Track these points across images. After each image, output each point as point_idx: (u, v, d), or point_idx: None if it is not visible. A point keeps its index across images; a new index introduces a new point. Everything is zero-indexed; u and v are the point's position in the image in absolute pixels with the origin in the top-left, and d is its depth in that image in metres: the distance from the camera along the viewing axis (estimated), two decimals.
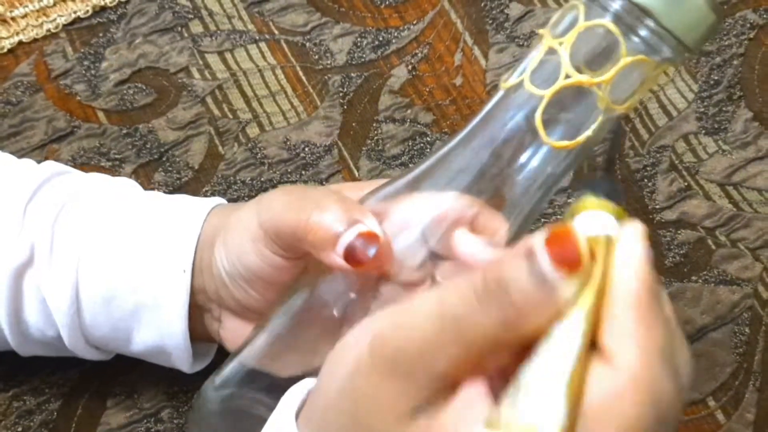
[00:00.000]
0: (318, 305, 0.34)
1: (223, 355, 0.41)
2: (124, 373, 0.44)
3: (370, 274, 0.33)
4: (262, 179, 0.49)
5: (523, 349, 0.25)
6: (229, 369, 0.35)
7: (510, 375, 0.25)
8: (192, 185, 0.48)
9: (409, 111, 0.51)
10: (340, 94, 0.51)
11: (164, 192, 0.47)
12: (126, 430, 0.43)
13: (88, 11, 0.52)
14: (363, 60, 0.52)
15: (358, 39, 0.53)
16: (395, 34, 0.53)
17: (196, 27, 0.53)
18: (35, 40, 0.52)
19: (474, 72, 0.52)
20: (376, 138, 0.50)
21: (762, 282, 0.48)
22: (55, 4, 0.52)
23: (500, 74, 0.52)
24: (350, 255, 0.33)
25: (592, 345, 0.25)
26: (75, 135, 0.49)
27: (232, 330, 0.39)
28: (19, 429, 0.42)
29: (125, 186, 0.41)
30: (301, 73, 0.52)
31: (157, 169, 0.49)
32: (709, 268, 0.48)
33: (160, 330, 0.39)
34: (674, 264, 0.48)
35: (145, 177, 0.48)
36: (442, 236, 0.33)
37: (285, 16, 0.53)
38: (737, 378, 0.46)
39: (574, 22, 0.31)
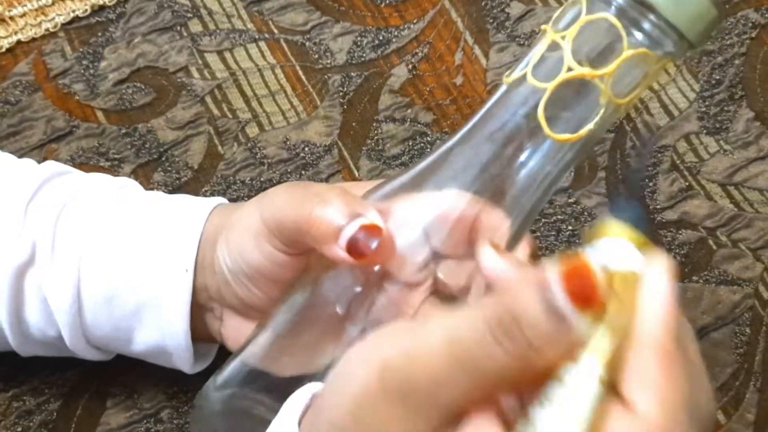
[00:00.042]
0: (320, 303, 0.34)
1: (223, 356, 0.41)
2: (124, 374, 0.44)
3: (373, 268, 0.33)
4: (262, 179, 0.49)
5: (535, 377, 0.25)
6: (231, 368, 0.35)
7: (520, 401, 0.25)
8: (191, 185, 0.48)
9: (409, 110, 0.51)
10: (340, 94, 0.51)
11: (164, 192, 0.47)
12: (126, 430, 0.43)
13: (86, 10, 0.52)
14: (363, 59, 0.52)
15: (358, 38, 0.53)
16: (395, 34, 0.53)
17: (195, 26, 0.52)
18: (34, 39, 0.52)
19: (475, 71, 0.52)
20: (376, 138, 0.50)
21: (763, 282, 0.48)
22: (53, 4, 0.52)
23: (501, 73, 0.52)
24: (353, 247, 0.32)
25: (611, 386, 0.24)
26: (74, 135, 0.49)
27: (233, 328, 0.39)
28: (19, 429, 0.42)
29: (126, 186, 0.41)
30: (300, 73, 0.52)
31: (157, 169, 0.49)
32: (710, 268, 0.48)
33: (161, 329, 0.39)
34: (675, 264, 0.48)
35: (144, 177, 0.48)
36: (443, 234, 0.33)
37: (284, 15, 0.53)
38: (738, 378, 0.46)
39: (577, 16, 0.31)
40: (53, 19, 0.52)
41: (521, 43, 0.53)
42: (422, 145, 0.50)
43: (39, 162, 0.42)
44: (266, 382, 0.34)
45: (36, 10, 0.52)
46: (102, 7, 0.53)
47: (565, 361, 0.24)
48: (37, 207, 0.39)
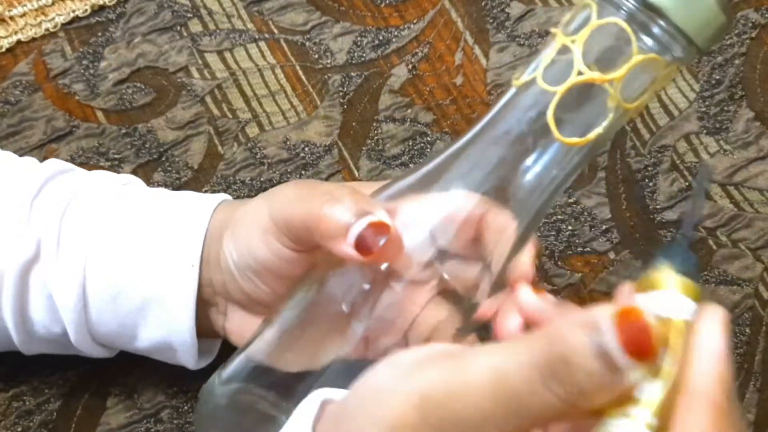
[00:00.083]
0: (326, 301, 0.34)
1: (225, 352, 0.41)
2: (124, 374, 0.44)
3: (379, 266, 0.33)
4: (262, 179, 0.49)
5: (580, 416, 0.25)
6: (236, 363, 0.35)
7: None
8: (191, 185, 0.48)
9: (409, 110, 0.51)
10: (340, 94, 0.51)
11: None
12: (126, 430, 0.43)
13: (86, 10, 0.52)
14: (363, 59, 0.52)
15: (358, 38, 0.53)
16: (395, 33, 0.53)
17: (195, 26, 0.52)
18: (34, 39, 0.52)
19: (475, 71, 0.52)
20: (376, 138, 0.50)
21: (763, 282, 0.48)
22: (53, 3, 0.52)
23: (501, 73, 0.52)
24: (361, 244, 0.33)
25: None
26: (74, 135, 0.49)
27: (237, 323, 0.39)
28: (19, 429, 0.42)
29: (130, 182, 0.41)
30: (300, 73, 0.52)
31: (157, 169, 0.49)
32: (710, 268, 0.48)
33: (166, 326, 0.39)
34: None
35: (144, 177, 0.48)
36: (450, 234, 0.33)
37: (284, 15, 0.53)
38: (737, 378, 0.46)
39: (587, 21, 0.32)
40: (53, 19, 0.52)
41: (521, 43, 0.53)
42: (422, 145, 0.50)
43: (40, 162, 0.42)
44: (271, 378, 0.34)
45: (36, 10, 0.52)
46: (102, 7, 0.53)
47: (614, 406, 0.24)
48: (41, 204, 0.39)
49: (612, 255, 0.48)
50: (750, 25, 0.54)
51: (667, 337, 0.25)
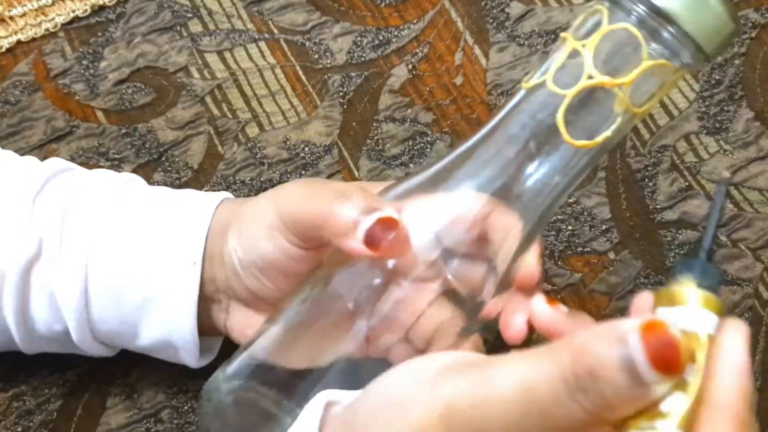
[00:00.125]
0: (331, 298, 0.35)
1: (227, 351, 0.41)
2: (124, 374, 0.44)
3: (386, 264, 0.34)
4: (262, 179, 0.49)
5: (604, 426, 0.25)
6: (240, 361, 0.35)
7: None
8: (191, 185, 0.48)
9: (409, 110, 0.51)
10: (340, 94, 0.51)
11: None
12: (126, 430, 0.43)
13: (86, 10, 0.52)
14: (363, 59, 0.52)
15: (358, 38, 0.53)
16: (395, 34, 0.53)
17: (195, 26, 0.52)
18: (34, 39, 0.52)
19: (475, 71, 0.52)
20: (376, 138, 0.50)
21: (763, 282, 0.48)
22: (53, 4, 0.52)
23: (501, 73, 0.52)
24: (370, 240, 0.33)
25: None
26: (74, 135, 0.49)
27: (239, 320, 0.39)
28: (19, 429, 0.42)
29: (131, 181, 0.41)
30: (300, 73, 0.52)
31: (157, 169, 0.49)
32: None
33: (168, 324, 0.39)
34: (675, 264, 0.48)
35: (144, 177, 0.48)
36: (456, 234, 0.34)
37: (284, 15, 0.53)
38: None
39: (598, 25, 0.32)
40: (53, 19, 0.52)
41: (521, 43, 0.53)
42: (422, 145, 0.50)
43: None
44: (273, 376, 0.34)
45: (36, 10, 0.52)
46: (102, 7, 0.53)
47: (638, 418, 0.25)
48: (42, 203, 0.39)
49: (612, 255, 0.48)
50: (750, 25, 0.54)
51: (692, 351, 0.25)
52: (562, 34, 0.33)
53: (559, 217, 0.49)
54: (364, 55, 0.52)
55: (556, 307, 0.31)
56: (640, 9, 0.31)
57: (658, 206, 0.49)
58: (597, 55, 0.32)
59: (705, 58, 0.32)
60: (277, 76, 0.52)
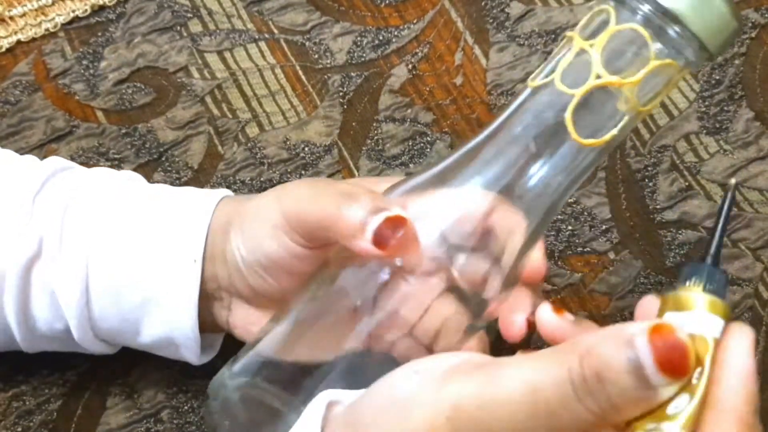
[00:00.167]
0: (338, 295, 0.35)
1: (228, 347, 0.41)
2: (123, 374, 0.44)
3: (394, 262, 0.34)
4: (262, 179, 0.49)
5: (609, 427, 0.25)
6: (246, 358, 0.35)
7: None
8: (191, 185, 0.48)
9: (409, 110, 0.51)
10: (340, 94, 0.51)
11: None
12: (126, 430, 0.43)
13: (86, 10, 0.52)
14: (363, 59, 0.52)
15: (358, 38, 0.53)
16: (395, 33, 0.53)
17: (195, 26, 0.52)
18: (34, 39, 0.52)
19: (474, 71, 0.52)
20: (376, 138, 0.50)
21: (762, 282, 0.48)
22: (53, 4, 0.52)
23: (501, 73, 0.52)
24: (378, 239, 0.33)
25: None
26: (74, 135, 0.49)
27: (241, 317, 0.39)
28: (19, 429, 0.42)
29: (131, 178, 0.41)
30: (300, 73, 0.52)
31: (157, 169, 0.49)
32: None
33: (169, 321, 0.39)
34: (675, 264, 0.48)
35: (144, 177, 0.48)
36: (461, 231, 0.34)
37: (284, 15, 0.53)
38: None
39: (605, 25, 0.32)
40: (53, 19, 0.52)
41: (521, 43, 0.53)
42: (422, 145, 0.50)
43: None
44: (280, 373, 0.34)
45: (36, 10, 0.52)
46: (102, 7, 0.53)
47: (644, 420, 0.25)
48: (42, 202, 0.39)
49: (612, 255, 0.48)
50: (750, 25, 0.54)
51: (699, 354, 0.26)
52: (568, 33, 0.33)
53: (559, 217, 0.49)
54: (364, 55, 0.52)
55: (562, 316, 0.31)
56: (647, 9, 0.32)
57: (658, 206, 0.49)
58: (604, 54, 0.32)
59: (708, 57, 0.33)
60: (277, 76, 0.52)
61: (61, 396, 0.43)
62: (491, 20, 0.54)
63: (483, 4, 0.54)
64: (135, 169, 0.48)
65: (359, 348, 0.34)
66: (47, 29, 0.52)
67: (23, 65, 0.51)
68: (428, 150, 0.50)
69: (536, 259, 0.36)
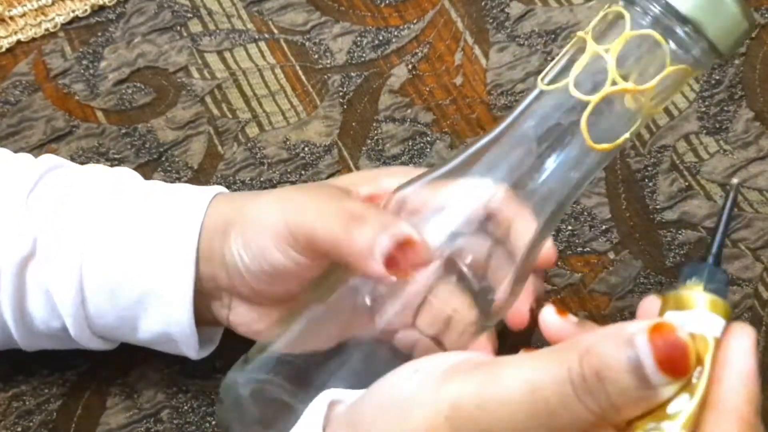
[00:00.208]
0: (352, 294, 0.35)
1: (228, 342, 0.41)
2: (123, 374, 0.44)
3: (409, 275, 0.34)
4: (262, 179, 0.49)
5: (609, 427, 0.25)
6: (257, 354, 0.36)
7: None
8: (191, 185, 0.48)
9: (409, 110, 0.51)
10: (340, 94, 0.51)
11: None
12: (126, 430, 0.43)
13: (86, 10, 0.52)
14: (363, 59, 0.52)
15: (358, 38, 0.53)
16: (395, 34, 0.53)
17: (195, 26, 0.52)
18: (34, 39, 0.52)
19: (474, 71, 0.52)
20: (376, 138, 0.50)
21: (762, 282, 0.48)
22: (53, 4, 0.52)
23: (501, 73, 0.52)
24: (390, 263, 0.33)
25: None
26: (74, 135, 0.49)
27: (242, 315, 0.39)
28: (19, 429, 0.42)
29: (125, 175, 0.41)
30: (300, 73, 0.52)
31: (157, 169, 0.49)
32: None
33: (165, 318, 0.39)
34: (675, 264, 0.48)
35: (144, 177, 0.48)
36: (471, 229, 0.34)
37: (284, 15, 0.53)
38: None
39: (619, 29, 0.32)
40: (53, 19, 0.52)
41: (521, 43, 0.53)
42: (422, 145, 0.50)
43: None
44: (292, 368, 0.34)
45: (36, 10, 0.52)
46: (102, 7, 0.53)
47: (644, 419, 0.25)
48: (36, 201, 0.39)
49: (612, 255, 0.48)
50: None
51: (699, 354, 0.26)
52: (579, 34, 0.33)
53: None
54: (364, 55, 0.52)
55: (565, 318, 0.31)
56: (659, 11, 0.32)
57: (658, 206, 0.49)
58: (618, 59, 0.32)
59: (719, 58, 0.33)
60: (277, 76, 0.52)
61: (60, 396, 0.43)
62: (491, 20, 0.54)
63: (483, 4, 0.54)
64: (135, 169, 0.48)
65: (371, 343, 0.34)
66: (47, 29, 0.52)
67: (23, 65, 0.51)
68: (428, 150, 0.50)
69: (547, 246, 0.36)
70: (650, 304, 0.29)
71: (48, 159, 0.41)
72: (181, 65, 0.51)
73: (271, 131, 0.50)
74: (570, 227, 0.48)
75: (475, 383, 0.26)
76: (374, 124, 0.51)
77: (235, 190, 0.48)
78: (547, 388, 0.25)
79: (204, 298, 0.39)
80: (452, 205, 0.34)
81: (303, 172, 0.49)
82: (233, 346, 0.40)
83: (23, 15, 0.52)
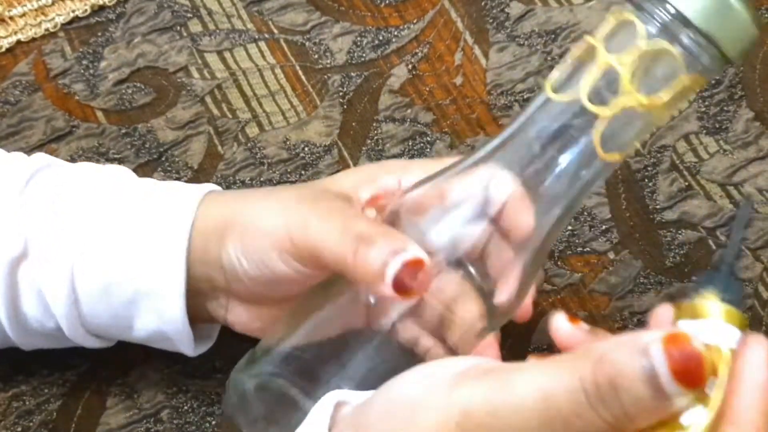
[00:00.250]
0: (358, 294, 0.35)
1: (226, 340, 0.41)
2: (123, 374, 0.44)
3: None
4: (262, 179, 0.49)
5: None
6: (264, 350, 0.36)
7: None
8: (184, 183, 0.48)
9: (409, 111, 0.51)
10: (340, 94, 0.51)
11: None
12: (126, 430, 0.43)
13: (86, 10, 0.52)
14: (363, 59, 0.52)
15: (358, 38, 0.53)
16: (395, 34, 0.53)
17: (195, 26, 0.53)
18: (34, 39, 0.52)
19: (474, 71, 0.52)
20: (376, 138, 0.50)
21: (762, 282, 0.48)
22: (53, 3, 0.52)
23: (501, 73, 0.52)
24: (399, 285, 0.33)
25: None
26: (74, 135, 0.49)
27: (240, 314, 0.39)
28: (19, 429, 0.42)
29: (117, 173, 0.41)
30: (300, 73, 0.52)
31: (156, 169, 0.49)
32: (710, 268, 0.48)
33: (158, 317, 0.39)
34: (675, 264, 0.48)
35: (143, 177, 0.48)
36: (479, 233, 0.34)
37: (284, 15, 0.53)
38: None
39: (631, 39, 0.32)
40: (53, 19, 0.52)
41: (521, 43, 0.53)
42: (422, 145, 0.50)
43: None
44: (299, 364, 0.34)
45: (36, 10, 0.52)
46: (102, 7, 0.53)
47: (658, 430, 0.25)
48: (27, 200, 0.39)
49: (612, 255, 0.48)
50: None
51: (714, 364, 0.25)
52: (588, 40, 0.33)
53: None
54: (364, 55, 0.52)
55: (577, 325, 0.31)
56: (669, 19, 0.31)
57: (657, 206, 0.49)
58: (632, 71, 0.32)
59: (729, 65, 0.33)
60: (277, 76, 0.52)
61: (60, 396, 0.43)
62: (491, 20, 0.54)
63: (483, 4, 0.54)
64: (135, 169, 0.48)
65: (378, 340, 0.34)
66: (47, 29, 0.52)
67: (23, 65, 0.51)
68: (428, 150, 0.50)
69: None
70: (663, 312, 0.29)
71: (39, 158, 0.41)
72: (181, 65, 0.51)
73: (271, 131, 0.50)
74: (570, 227, 0.48)
75: (487, 389, 0.26)
76: (374, 124, 0.51)
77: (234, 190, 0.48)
78: (560, 395, 0.25)
79: (199, 297, 0.39)
80: (460, 207, 0.34)
81: (303, 172, 0.49)
82: (233, 346, 0.40)
83: (23, 15, 0.52)
